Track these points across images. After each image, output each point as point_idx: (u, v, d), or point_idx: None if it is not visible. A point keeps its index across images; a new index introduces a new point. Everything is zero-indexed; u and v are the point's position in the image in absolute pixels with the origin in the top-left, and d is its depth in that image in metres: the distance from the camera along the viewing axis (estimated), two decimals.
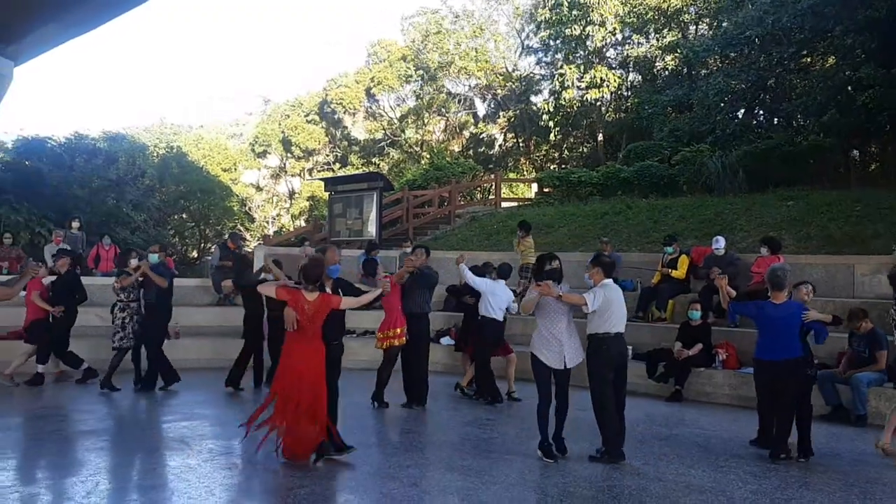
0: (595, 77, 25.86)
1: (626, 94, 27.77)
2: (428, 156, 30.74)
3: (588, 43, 26.53)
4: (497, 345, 9.28)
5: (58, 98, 63.40)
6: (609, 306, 6.31)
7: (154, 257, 9.59)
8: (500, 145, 32.96)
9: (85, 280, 10.68)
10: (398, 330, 8.33)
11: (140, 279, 9.39)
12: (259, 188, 33.94)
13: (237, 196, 30.93)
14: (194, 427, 7.51)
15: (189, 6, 73.17)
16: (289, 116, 33.48)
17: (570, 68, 26.20)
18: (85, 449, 6.56)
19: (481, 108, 33.91)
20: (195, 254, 26.90)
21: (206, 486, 5.44)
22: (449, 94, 32.21)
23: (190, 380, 9.83)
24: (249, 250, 18.63)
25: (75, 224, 15.20)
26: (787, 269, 6.90)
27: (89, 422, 7.69)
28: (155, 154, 29.95)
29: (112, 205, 20.85)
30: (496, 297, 8.99)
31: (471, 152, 32.27)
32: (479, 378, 9.13)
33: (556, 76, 26.85)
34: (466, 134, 33.10)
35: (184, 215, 27.38)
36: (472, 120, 32.66)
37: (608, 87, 26.18)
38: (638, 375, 9.70)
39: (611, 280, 6.56)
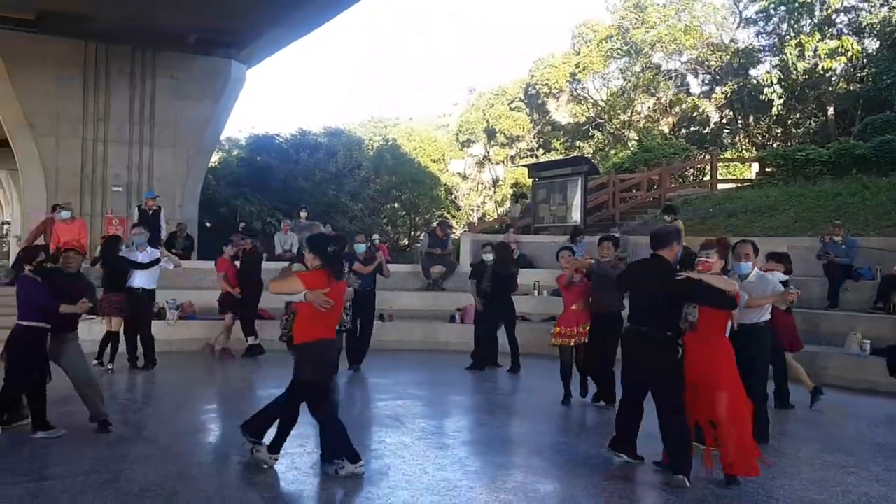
0: (835, 46, 23.57)
1: (861, 63, 25.00)
2: (636, 137, 29.60)
3: (816, 10, 24.18)
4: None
5: (284, 97, 69.29)
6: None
7: (360, 247, 9.95)
8: (714, 122, 30.91)
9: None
10: (575, 329, 7.63)
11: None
12: (464, 177, 34.67)
13: (444, 185, 31.86)
14: (407, 406, 7.82)
15: (395, 4, 76.55)
16: (493, 105, 33.81)
17: (806, 37, 24.10)
18: (309, 423, 6.98)
19: (694, 85, 31.97)
20: (405, 241, 28.08)
21: (420, 463, 5.58)
22: (658, 70, 30.71)
23: (401, 362, 10.22)
24: (456, 238, 19.04)
25: (303, 214, 16.42)
26: None
27: None
28: (370, 147, 31.65)
29: (332, 195, 22.26)
30: None
31: (682, 131, 30.59)
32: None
33: (788, 46, 24.79)
34: (677, 112, 31.39)
35: (395, 204, 28.68)
36: (684, 97, 30.87)
37: (845, 56, 23.73)
38: (878, 373, 8.76)
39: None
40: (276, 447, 5.35)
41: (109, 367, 9.34)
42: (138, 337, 9.80)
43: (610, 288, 7.07)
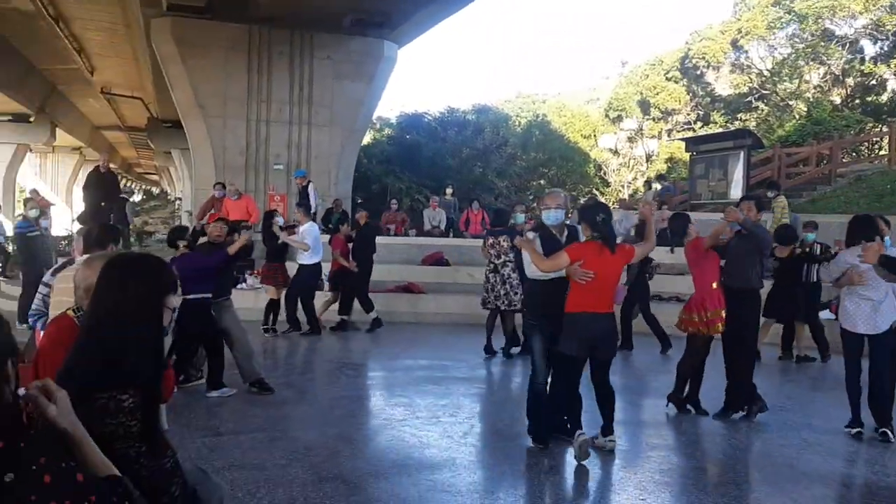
0: None
1: None
2: (803, 108, 27.47)
3: None
4: None
5: (432, 76, 70.31)
6: None
7: (520, 217, 9.78)
8: (893, 91, 28.07)
9: (455, 241, 11.49)
10: (710, 313, 5.97)
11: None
12: (615, 152, 33.60)
13: (594, 161, 31.07)
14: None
15: None
16: (647, 76, 32.45)
17: None
18: (462, 394, 7.03)
19: (870, 51, 29.12)
20: (568, 215, 27.69)
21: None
22: (829, 36, 28.23)
23: None
24: None
25: (448, 191, 16.57)
26: None
27: (462, 370, 8.23)
28: (517, 123, 31.40)
29: (479, 173, 22.29)
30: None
31: (857, 101, 28.03)
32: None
33: None
34: (850, 82, 28.74)
35: (542, 181, 28.33)
36: (858, 65, 28.19)
37: None
38: None
39: None
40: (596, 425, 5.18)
41: (273, 332, 9.85)
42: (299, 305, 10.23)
43: (753, 256, 6.03)
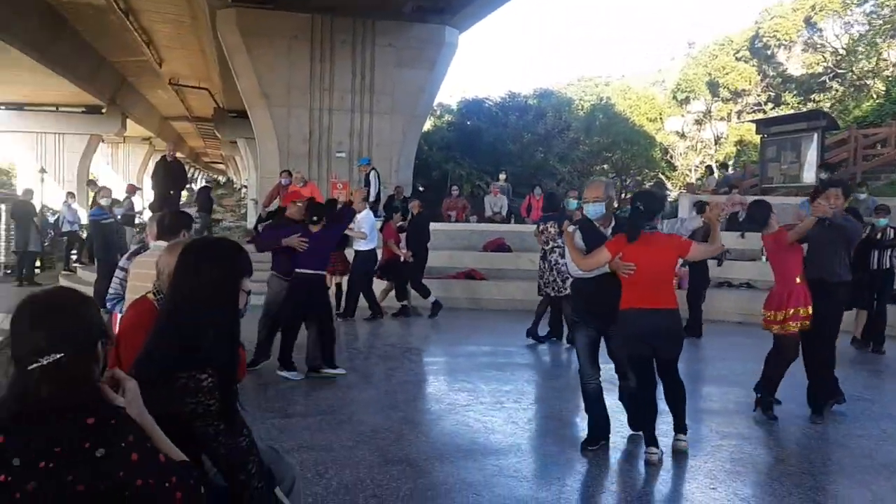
0: None
1: None
2: (881, 87, 26.26)
3: None
4: None
5: (493, 61, 69.85)
6: None
7: (573, 203, 9.68)
8: None
9: (517, 227, 11.39)
10: (792, 311, 5.42)
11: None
12: (682, 135, 32.77)
13: (660, 145, 30.38)
14: None
15: None
16: (716, 56, 31.46)
17: None
18: (525, 380, 7.03)
19: None
20: (615, 204, 27.28)
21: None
22: None
23: None
24: (672, 199, 18.12)
25: (502, 176, 16.51)
26: None
27: (525, 356, 8.20)
28: (580, 107, 30.96)
29: (540, 158, 22.10)
30: None
31: None
32: None
33: None
34: None
35: (605, 166, 27.90)
36: None
37: None
38: None
39: None
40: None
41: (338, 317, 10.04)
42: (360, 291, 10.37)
43: (837, 246, 5.63)
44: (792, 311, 5.42)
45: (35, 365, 1.60)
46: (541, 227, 8.64)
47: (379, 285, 10.88)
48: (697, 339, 9.26)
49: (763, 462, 4.80)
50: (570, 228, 5.01)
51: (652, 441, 4.60)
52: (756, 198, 7.30)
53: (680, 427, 4.82)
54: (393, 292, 10.92)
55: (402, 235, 11.01)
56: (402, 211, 14.87)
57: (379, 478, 4.18)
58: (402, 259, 10.62)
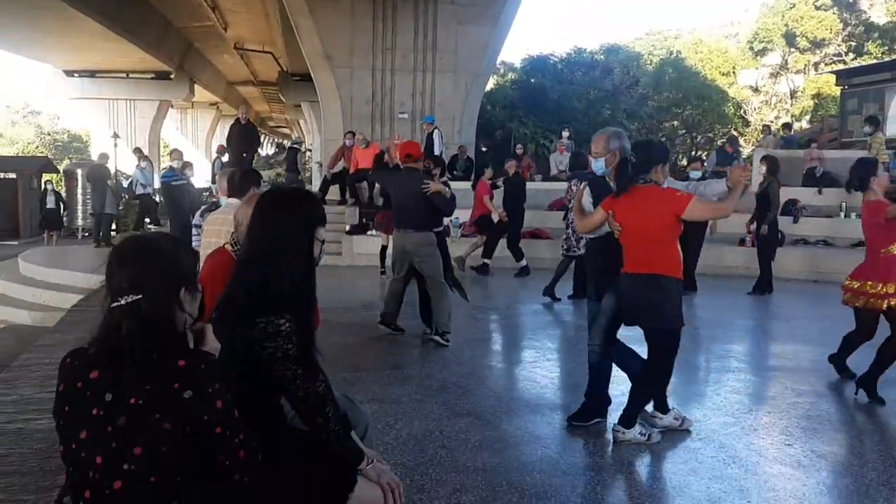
0: None
1: None
2: None
3: None
4: None
5: (559, 16, 68.21)
6: None
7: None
8: None
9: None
10: (884, 287, 4.86)
11: None
12: (756, 90, 31.46)
13: (733, 100, 29.29)
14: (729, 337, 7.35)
15: None
16: (793, 6, 29.97)
17: None
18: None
19: None
20: (684, 161, 26.57)
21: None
22: None
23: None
24: (746, 155, 17.53)
25: (565, 134, 16.22)
26: None
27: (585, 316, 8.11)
28: (649, 62, 30.06)
29: (607, 115, 21.61)
30: None
31: None
32: None
33: None
34: None
35: (675, 122, 27.13)
36: None
37: None
38: None
39: None
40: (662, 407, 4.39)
41: (383, 275, 10.21)
42: None
43: None
44: (872, 284, 4.90)
45: (116, 304, 1.67)
46: (568, 186, 8.51)
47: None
48: (768, 294, 9.12)
49: (839, 419, 4.67)
50: (582, 185, 4.53)
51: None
52: (861, 155, 6.88)
53: (620, 419, 4.11)
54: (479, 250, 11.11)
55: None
56: (465, 169, 14.87)
57: (448, 430, 4.24)
58: (496, 220, 10.68)
